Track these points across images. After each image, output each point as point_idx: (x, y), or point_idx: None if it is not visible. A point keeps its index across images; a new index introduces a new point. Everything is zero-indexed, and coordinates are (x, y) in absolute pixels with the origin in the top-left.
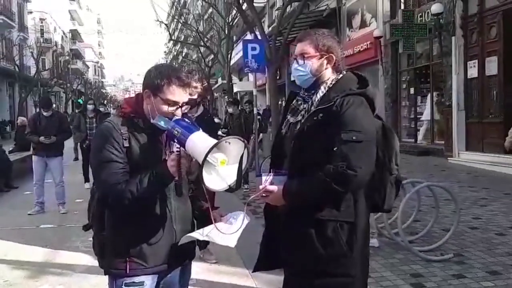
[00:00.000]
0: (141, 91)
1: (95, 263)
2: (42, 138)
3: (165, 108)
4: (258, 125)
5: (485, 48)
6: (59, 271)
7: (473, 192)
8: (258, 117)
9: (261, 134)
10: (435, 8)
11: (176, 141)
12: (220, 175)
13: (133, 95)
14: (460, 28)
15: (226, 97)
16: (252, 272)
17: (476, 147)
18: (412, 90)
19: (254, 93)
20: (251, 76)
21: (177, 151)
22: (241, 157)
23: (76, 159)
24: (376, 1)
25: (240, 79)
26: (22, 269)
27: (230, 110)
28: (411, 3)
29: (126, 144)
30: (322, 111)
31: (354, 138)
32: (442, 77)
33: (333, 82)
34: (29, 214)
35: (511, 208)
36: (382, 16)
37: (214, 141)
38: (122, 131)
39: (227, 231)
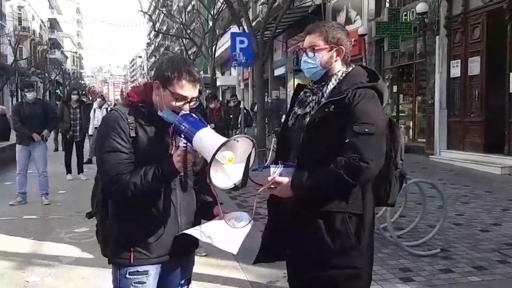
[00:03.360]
0: (151, 81)
1: (82, 254)
2: (35, 135)
3: (173, 102)
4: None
5: (468, 48)
6: (46, 262)
7: (455, 190)
8: (244, 111)
9: (245, 129)
10: (420, 7)
11: (182, 136)
12: (226, 173)
13: (111, 86)
14: (444, 27)
15: (207, 91)
16: (253, 264)
17: (457, 145)
18: (395, 88)
19: (241, 87)
20: (233, 71)
21: (183, 146)
22: (249, 155)
23: (56, 150)
24: None
25: (223, 73)
26: (8, 260)
27: (211, 105)
28: (396, 1)
29: (133, 134)
30: (334, 103)
31: (366, 130)
32: (425, 76)
33: (343, 75)
34: (10, 205)
35: (493, 205)
36: (367, 14)
37: (223, 138)
38: (129, 120)
39: (228, 233)
